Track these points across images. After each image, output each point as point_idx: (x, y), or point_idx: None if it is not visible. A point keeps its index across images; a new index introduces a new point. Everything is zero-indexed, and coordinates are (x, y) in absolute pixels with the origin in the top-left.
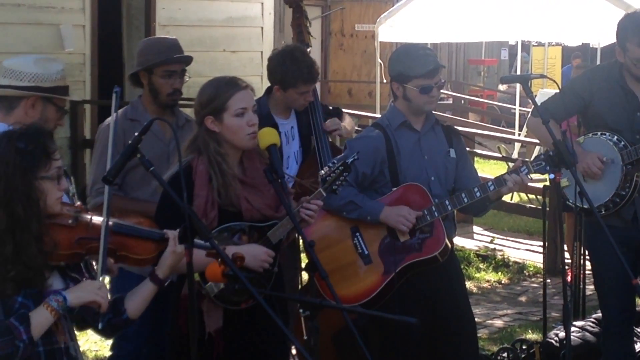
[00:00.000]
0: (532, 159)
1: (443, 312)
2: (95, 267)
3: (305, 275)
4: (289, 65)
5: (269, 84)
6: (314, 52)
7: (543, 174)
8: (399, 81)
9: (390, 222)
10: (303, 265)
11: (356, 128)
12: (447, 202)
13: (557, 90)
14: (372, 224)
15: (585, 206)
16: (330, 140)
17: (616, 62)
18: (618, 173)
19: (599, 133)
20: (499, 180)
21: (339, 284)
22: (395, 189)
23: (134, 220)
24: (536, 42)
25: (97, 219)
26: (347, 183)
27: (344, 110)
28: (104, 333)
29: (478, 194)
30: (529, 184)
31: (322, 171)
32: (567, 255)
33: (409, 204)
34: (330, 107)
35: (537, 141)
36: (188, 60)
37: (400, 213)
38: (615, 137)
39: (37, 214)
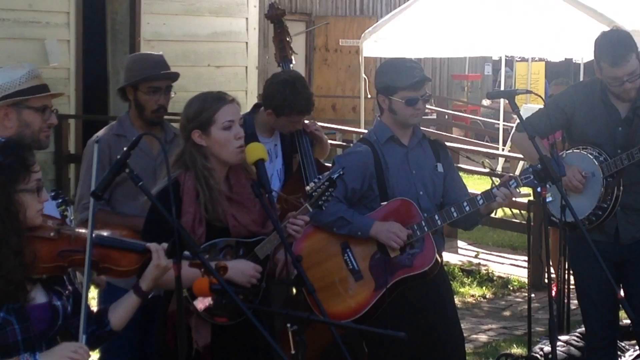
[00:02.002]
0: (517, 173)
1: (432, 324)
2: (78, 279)
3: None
4: (289, 95)
5: (253, 99)
6: (298, 67)
7: (531, 187)
8: (385, 93)
9: (381, 238)
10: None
11: (341, 143)
12: (436, 217)
13: (541, 105)
14: (362, 239)
15: (569, 220)
16: (314, 157)
17: (598, 78)
18: (599, 186)
19: (580, 147)
20: (488, 195)
21: (331, 300)
22: (384, 203)
23: (116, 232)
24: (519, 58)
25: (79, 232)
26: (337, 199)
27: (327, 125)
28: (88, 345)
29: (467, 208)
30: (514, 198)
31: (308, 187)
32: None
33: (398, 219)
34: None
35: (521, 156)
36: (174, 76)
37: (391, 230)
38: (596, 151)
39: (16, 227)
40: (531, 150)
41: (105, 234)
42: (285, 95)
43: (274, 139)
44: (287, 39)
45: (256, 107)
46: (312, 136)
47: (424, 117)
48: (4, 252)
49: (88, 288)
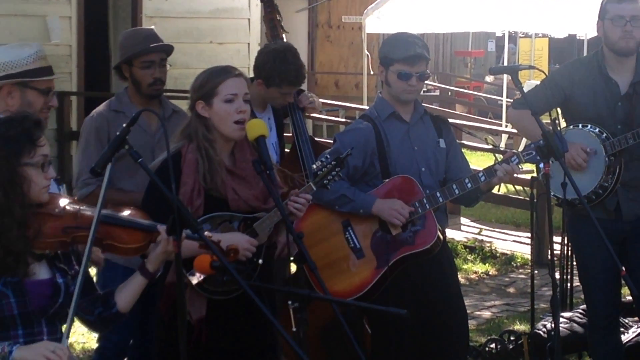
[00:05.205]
0: (520, 149)
1: (435, 301)
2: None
3: (293, 267)
4: (279, 65)
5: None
6: (301, 43)
7: (534, 163)
8: (383, 64)
9: (383, 215)
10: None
11: (343, 120)
12: (438, 194)
13: None
14: (364, 217)
15: (569, 198)
16: (309, 134)
17: (597, 52)
18: (601, 164)
19: (580, 125)
20: (490, 171)
21: (333, 278)
22: (386, 180)
23: (126, 211)
24: (523, 34)
25: (86, 210)
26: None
27: (330, 101)
28: (95, 327)
29: (469, 184)
30: (517, 175)
31: (314, 165)
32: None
33: (400, 196)
34: None
35: None
36: (167, 49)
37: (393, 207)
38: (597, 129)
39: (20, 199)
40: (530, 126)
41: (112, 212)
42: (275, 65)
43: (266, 112)
44: (278, 18)
45: (250, 81)
46: (306, 111)
47: (427, 94)
48: (6, 222)
49: (87, 267)
